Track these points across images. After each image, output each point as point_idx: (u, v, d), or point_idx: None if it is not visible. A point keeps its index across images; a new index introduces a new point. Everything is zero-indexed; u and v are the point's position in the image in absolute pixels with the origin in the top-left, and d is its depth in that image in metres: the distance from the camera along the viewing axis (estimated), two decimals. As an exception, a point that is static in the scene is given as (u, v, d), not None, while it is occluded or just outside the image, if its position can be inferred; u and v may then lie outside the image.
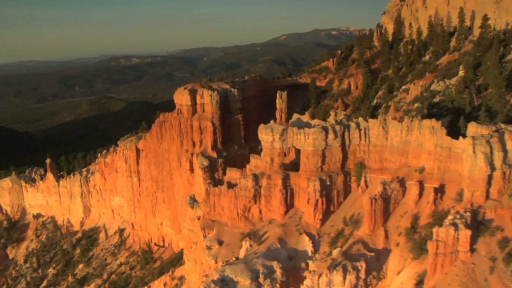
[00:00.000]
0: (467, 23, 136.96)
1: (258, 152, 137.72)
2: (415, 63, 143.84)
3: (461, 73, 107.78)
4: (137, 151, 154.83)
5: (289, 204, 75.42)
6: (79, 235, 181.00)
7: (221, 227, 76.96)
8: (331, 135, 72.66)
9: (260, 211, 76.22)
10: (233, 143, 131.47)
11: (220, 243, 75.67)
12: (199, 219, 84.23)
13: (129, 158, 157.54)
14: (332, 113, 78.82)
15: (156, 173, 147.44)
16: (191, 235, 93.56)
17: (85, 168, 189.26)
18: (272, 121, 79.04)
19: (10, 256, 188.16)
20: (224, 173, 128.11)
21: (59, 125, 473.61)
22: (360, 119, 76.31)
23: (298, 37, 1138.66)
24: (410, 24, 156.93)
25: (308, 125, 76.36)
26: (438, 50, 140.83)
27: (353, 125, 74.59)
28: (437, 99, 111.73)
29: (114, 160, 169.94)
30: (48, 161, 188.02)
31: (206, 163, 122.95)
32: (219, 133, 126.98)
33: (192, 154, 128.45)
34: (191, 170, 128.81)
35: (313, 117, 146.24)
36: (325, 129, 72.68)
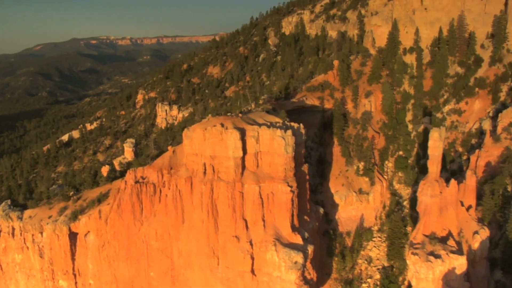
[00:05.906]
0: (488, 29, 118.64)
1: (323, 218, 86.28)
2: (442, 77, 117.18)
3: None
4: (72, 236, 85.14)
5: None
6: None
7: None
8: None
9: None
10: (301, 213, 79.37)
11: None
12: None
13: (52, 249, 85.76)
14: None
15: (131, 273, 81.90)
16: None
17: None
18: None
19: None
20: (314, 267, 75.87)
21: None
22: None
23: (55, 47, 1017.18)
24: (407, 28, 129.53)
25: None
26: (465, 60, 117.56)
27: None
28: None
29: (6, 248, 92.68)
30: None
31: (300, 259, 69.17)
32: (297, 202, 73.84)
33: (251, 243, 71.77)
34: (252, 272, 72.20)
35: (346, 155, 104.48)
36: None
